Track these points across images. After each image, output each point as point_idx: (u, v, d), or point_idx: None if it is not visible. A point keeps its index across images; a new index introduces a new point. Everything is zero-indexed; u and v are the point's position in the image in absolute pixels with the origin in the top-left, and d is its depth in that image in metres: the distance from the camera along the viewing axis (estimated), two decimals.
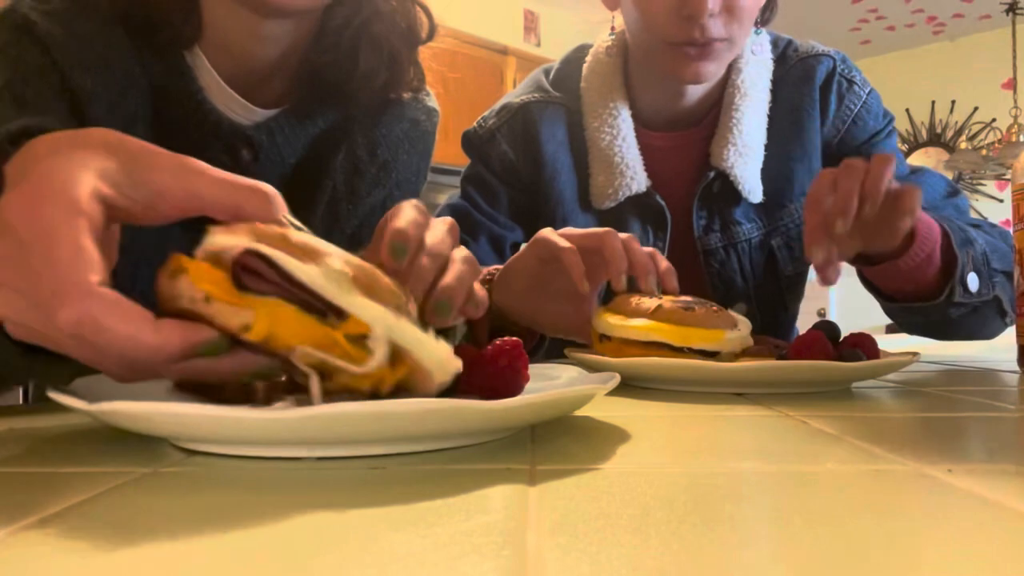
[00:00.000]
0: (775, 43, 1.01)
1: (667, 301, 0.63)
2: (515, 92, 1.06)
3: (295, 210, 0.61)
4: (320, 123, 0.78)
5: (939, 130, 4.84)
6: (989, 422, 0.47)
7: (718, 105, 0.97)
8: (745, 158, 0.94)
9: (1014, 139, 4.19)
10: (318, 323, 0.34)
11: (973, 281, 0.78)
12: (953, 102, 4.80)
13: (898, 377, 0.68)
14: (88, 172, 0.35)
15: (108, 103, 0.66)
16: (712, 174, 0.95)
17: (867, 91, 1.00)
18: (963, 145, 4.61)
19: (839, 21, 4.45)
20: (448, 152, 1.42)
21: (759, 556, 0.22)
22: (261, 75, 0.73)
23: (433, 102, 0.89)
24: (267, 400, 0.44)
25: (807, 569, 0.21)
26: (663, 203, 0.96)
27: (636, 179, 0.95)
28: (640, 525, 0.24)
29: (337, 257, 0.35)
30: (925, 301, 0.79)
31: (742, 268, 0.98)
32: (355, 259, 0.36)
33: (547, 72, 1.06)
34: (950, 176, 4.79)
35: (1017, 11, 4.30)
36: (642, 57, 0.94)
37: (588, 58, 1.02)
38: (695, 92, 0.95)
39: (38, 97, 0.65)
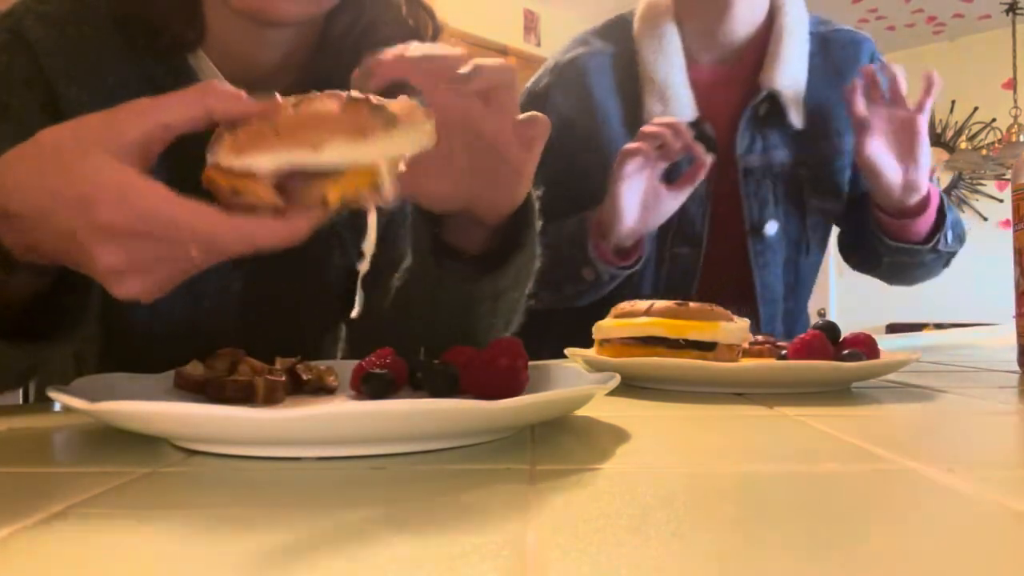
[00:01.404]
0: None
1: (660, 302, 0.63)
2: (561, 51, 1.14)
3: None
4: None
5: (939, 130, 4.84)
6: (989, 422, 0.47)
7: (762, 44, 1.07)
8: (792, 82, 1.05)
9: (1014, 139, 4.19)
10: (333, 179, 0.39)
11: (950, 236, 1.04)
12: (953, 102, 4.80)
13: (898, 377, 0.68)
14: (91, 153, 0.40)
15: (94, 111, 0.66)
16: (764, 93, 1.04)
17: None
18: (963, 145, 4.61)
19: (839, 21, 4.45)
20: None
21: (759, 556, 0.22)
22: (264, 78, 0.73)
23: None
24: (267, 400, 0.45)
25: (807, 569, 0.21)
26: (710, 131, 1.04)
27: (687, 107, 1.04)
28: (640, 525, 0.24)
29: (329, 121, 0.39)
30: (920, 245, 1.03)
31: (775, 190, 1.08)
32: (338, 107, 0.40)
33: (591, 31, 1.14)
34: (950, 176, 4.79)
35: (1017, 11, 4.30)
36: None
37: (641, 3, 1.11)
38: (740, 22, 1.05)
39: (22, 107, 0.65)
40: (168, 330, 0.72)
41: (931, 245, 1.03)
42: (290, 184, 0.39)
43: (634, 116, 1.06)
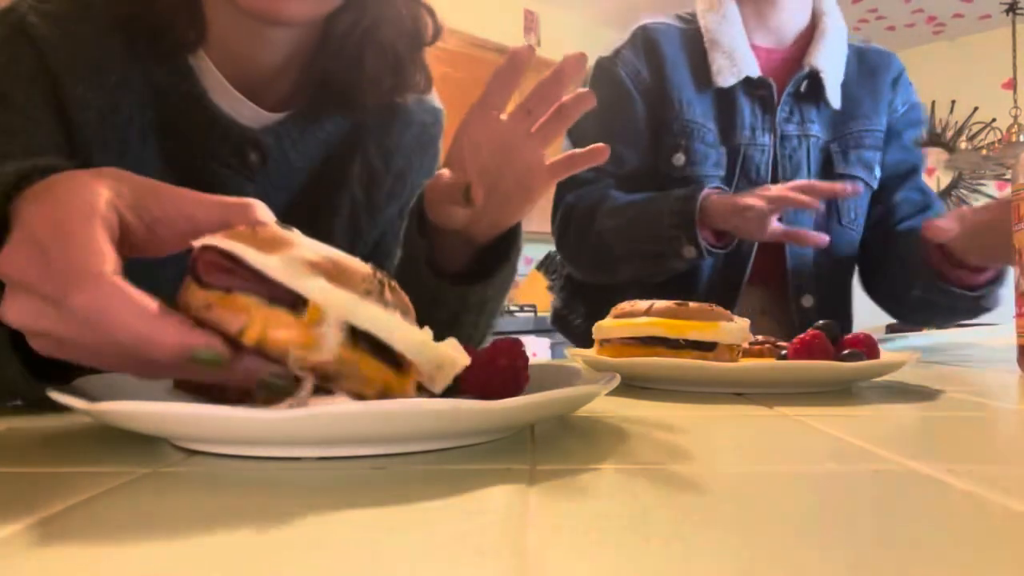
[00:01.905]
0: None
1: (660, 302, 0.63)
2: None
3: (316, 224, 0.63)
4: (329, 128, 0.78)
5: (939, 130, 4.84)
6: (989, 422, 0.47)
7: (807, 40, 1.20)
8: (832, 66, 1.17)
9: (1014, 139, 4.19)
10: (289, 314, 0.33)
11: (998, 296, 1.10)
12: (953, 102, 4.80)
13: (898, 377, 0.68)
14: (104, 187, 0.37)
15: (98, 110, 0.66)
16: (807, 69, 1.16)
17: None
18: (963, 145, 4.61)
19: None
20: None
21: (759, 556, 0.22)
22: (265, 78, 0.73)
23: (437, 102, 0.89)
24: (267, 401, 0.44)
25: (807, 569, 0.21)
26: (773, 85, 1.16)
27: (750, 64, 1.16)
28: (640, 525, 0.24)
29: (307, 248, 0.34)
30: (969, 291, 1.08)
31: (809, 158, 1.19)
32: (332, 252, 0.35)
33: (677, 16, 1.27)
34: (950, 176, 4.79)
35: (1017, 11, 4.30)
36: None
37: None
38: (788, 11, 1.19)
39: (27, 101, 0.65)
40: None
41: (976, 295, 1.07)
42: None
43: (702, 74, 1.17)
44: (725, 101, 1.17)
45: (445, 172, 0.62)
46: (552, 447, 0.37)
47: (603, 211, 1.14)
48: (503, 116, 0.58)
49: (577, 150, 0.60)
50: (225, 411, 0.32)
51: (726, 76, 1.15)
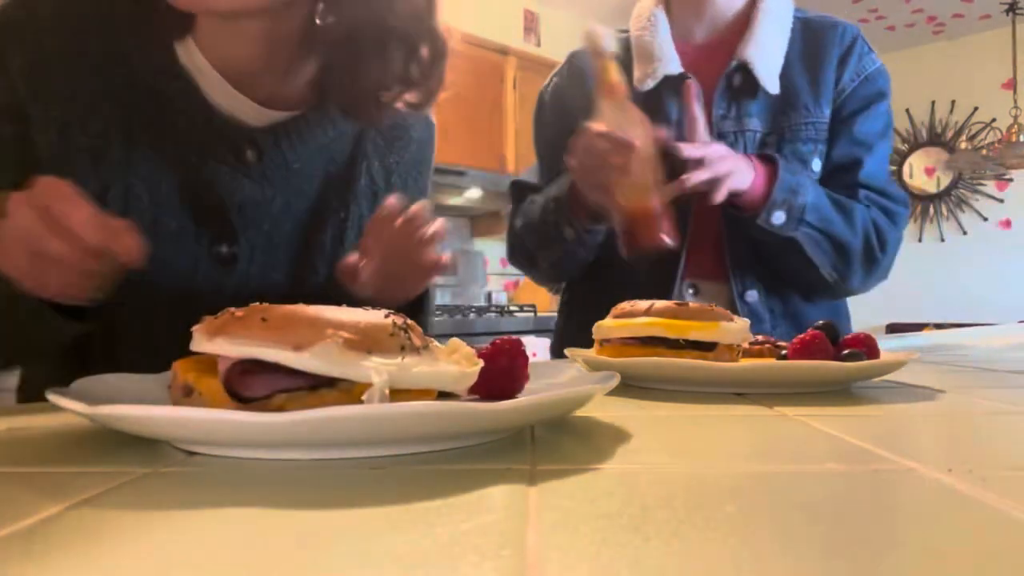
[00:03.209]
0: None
1: (660, 302, 0.64)
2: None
3: (309, 233, 0.70)
4: (330, 132, 0.78)
5: (939, 130, 4.84)
6: (989, 422, 0.47)
7: (742, 27, 1.14)
8: (765, 54, 1.10)
9: (1014, 139, 4.19)
10: (334, 392, 0.35)
11: (778, 217, 1.02)
12: (953, 102, 4.80)
13: (898, 377, 0.68)
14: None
15: (61, 127, 0.68)
16: (735, 63, 1.10)
17: (879, 62, 1.18)
18: (963, 145, 4.60)
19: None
20: (448, 152, 1.42)
21: (759, 556, 0.22)
22: (251, 72, 0.73)
23: (431, 115, 0.91)
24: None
25: (807, 569, 0.21)
26: (698, 86, 1.09)
27: (672, 62, 1.12)
28: (640, 525, 0.24)
29: (331, 326, 0.35)
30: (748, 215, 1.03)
31: (746, 153, 1.12)
32: (356, 318, 0.36)
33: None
34: (950, 176, 4.78)
35: (1017, 11, 4.30)
36: None
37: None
38: (722, 5, 1.14)
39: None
40: (158, 331, 0.73)
41: (760, 217, 1.02)
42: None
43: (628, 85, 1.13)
44: (652, 104, 1.11)
45: (353, 258, 0.71)
46: (552, 447, 0.37)
47: (519, 213, 1.20)
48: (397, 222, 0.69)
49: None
50: (224, 415, 0.32)
51: (646, 81, 1.13)
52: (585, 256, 1.13)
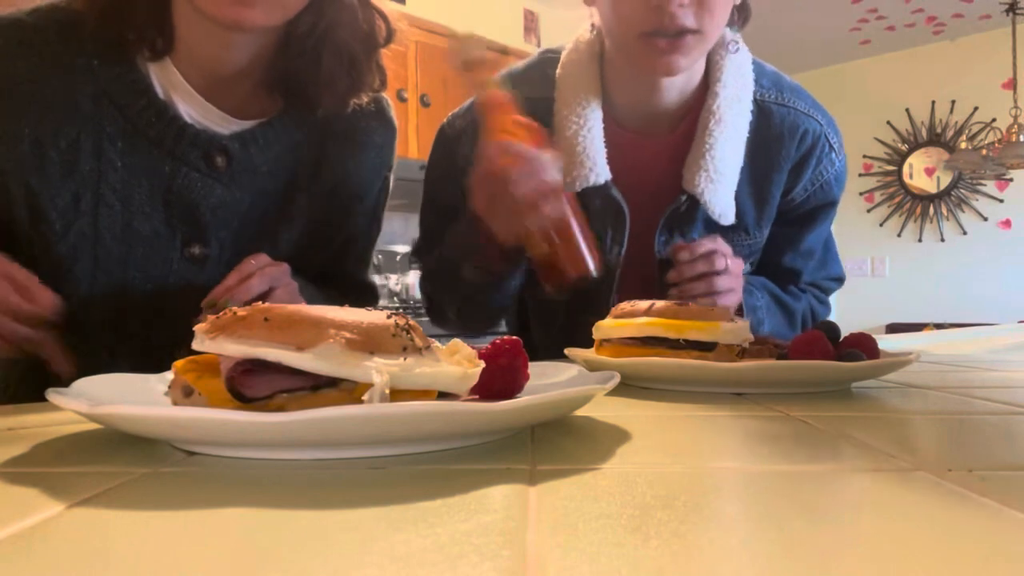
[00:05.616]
0: (758, 78, 0.99)
1: (660, 302, 0.64)
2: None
3: (278, 239, 0.73)
4: (295, 135, 0.81)
5: (939, 130, 4.84)
6: (989, 422, 0.47)
7: (692, 117, 0.96)
8: (716, 184, 0.94)
9: (1014, 139, 4.19)
10: (335, 392, 0.35)
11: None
12: (953, 102, 4.80)
13: (898, 377, 0.68)
14: None
15: (33, 143, 0.70)
16: (684, 198, 0.94)
17: (841, 158, 1.03)
18: (963, 145, 4.60)
19: (839, 21, 4.44)
20: None
21: (759, 556, 0.22)
22: (229, 80, 0.76)
23: (392, 115, 0.92)
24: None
25: (807, 569, 0.21)
26: (621, 200, 0.95)
27: (597, 171, 0.93)
28: (640, 525, 0.24)
29: (334, 326, 0.35)
30: None
31: None
32: (358, 318, 0.36)
33: (512, 71, 1.03)
34: (950, 176, 4.78)
35: (1017, 11, 4.30)
36: (616, 51, 0.93)
37: (568, 47, 1.00)
38: (670, 94, 0.94)
39: None
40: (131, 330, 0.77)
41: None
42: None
43: None
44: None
45: None
46: (552, 447, 0.37)
47: (428, 276, 1.05)
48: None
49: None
50: (224, 414, 0.32)
51: (580, 182, 0.93)
52: (502, 301, 0.98)
